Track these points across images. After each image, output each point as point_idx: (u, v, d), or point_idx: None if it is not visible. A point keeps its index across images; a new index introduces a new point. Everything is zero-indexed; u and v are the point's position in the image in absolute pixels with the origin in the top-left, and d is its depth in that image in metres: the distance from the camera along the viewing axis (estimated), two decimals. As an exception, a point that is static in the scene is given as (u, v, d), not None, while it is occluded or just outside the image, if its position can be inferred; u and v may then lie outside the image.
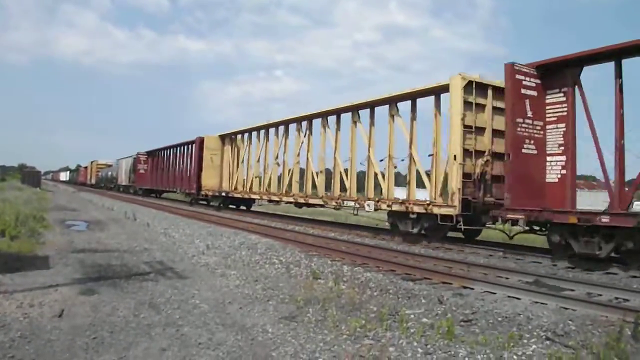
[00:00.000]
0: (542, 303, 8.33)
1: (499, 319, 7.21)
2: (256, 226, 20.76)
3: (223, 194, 32.97)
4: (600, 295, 9.00)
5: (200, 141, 35.32)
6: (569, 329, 6.68)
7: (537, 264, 12.67)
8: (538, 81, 13.58)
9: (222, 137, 35.02)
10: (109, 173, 72.68)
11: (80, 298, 7.67)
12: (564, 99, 13.21)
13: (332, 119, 23.02)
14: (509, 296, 8.90)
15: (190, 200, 38.55)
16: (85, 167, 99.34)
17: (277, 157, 27.46)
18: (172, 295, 8.14)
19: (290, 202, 25.28)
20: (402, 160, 18.48)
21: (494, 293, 9.19)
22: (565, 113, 13.18)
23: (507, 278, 10.50)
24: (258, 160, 29.66)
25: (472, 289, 9.58)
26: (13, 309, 6.88)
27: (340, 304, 7.87)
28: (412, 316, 7.24)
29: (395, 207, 17.84)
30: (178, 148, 41.91)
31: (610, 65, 12.29)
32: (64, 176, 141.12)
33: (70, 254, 11.70)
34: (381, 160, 19.39)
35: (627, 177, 12.45)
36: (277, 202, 27.14)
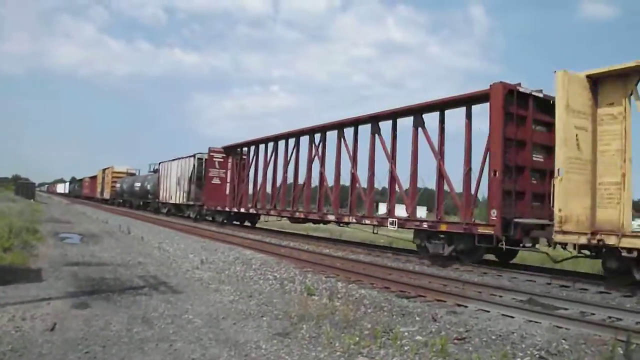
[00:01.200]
0: (535, 322, 8.32)
1: (493, 337, 7.19)
2: (251, 241, 20.72)
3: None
4: (594, 314, 9.00)
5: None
6: (562, 348, 6.67)
7: (532, 283, 12.66)
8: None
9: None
10: (137, 184, 52.85)
11: (73, 312, 7.61)
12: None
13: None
14: (503, 314, 8.88)
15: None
16: (93, 177, 79.72)
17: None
18: (166, 309, 8.09)
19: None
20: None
21: (488, 311, 9.17)
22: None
23: (501, 296, 10.49)
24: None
25: (467, 306, 9.56)
26: (4, 322, 6.82)
27: (334, 320, 7.83)
28: (406, 334, 7.21)
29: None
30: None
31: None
32: (62, 188, 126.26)
33: (63, 267, 11.63)
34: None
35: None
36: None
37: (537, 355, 6.39)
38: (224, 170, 33.54)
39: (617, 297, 10.75)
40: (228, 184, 32.85)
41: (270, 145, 28.07)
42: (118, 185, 60.72)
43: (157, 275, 11.45)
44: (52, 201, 71.95)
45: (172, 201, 40.78)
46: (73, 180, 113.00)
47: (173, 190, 40.45)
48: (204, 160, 35.44)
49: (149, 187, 48.96)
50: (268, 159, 28.13)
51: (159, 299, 8.93)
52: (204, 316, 7.85)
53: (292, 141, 25.79)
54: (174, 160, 41.41)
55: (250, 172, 30.57)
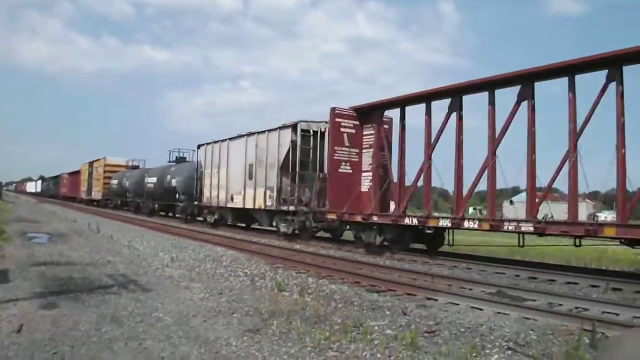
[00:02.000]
0: (504, 313, 8.43)
1: (462, 329, 7.26)
2: (221, 238, 20.65)
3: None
4: (561, 305, 9.14)
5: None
6: (530, 339, 6.76)
7: (501, 275, 12.81)
8: None
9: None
10: (152, 180, 39.10)
11: (40, 312, 7.53)
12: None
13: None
14: (472, 307, 8.98)
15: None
16: (75, 173, 65.93)
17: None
18: (135, 308, 8.04)
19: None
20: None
21: (458, 304, 9.26)
22: None
23: (470, 289, 10.60)
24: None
25: (436, 300, 9.65)
26: (-30, 324, 6.73)
27: (304, 316, 7.85)
28: (376, 328, 7.25)
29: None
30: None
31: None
32: (33, 187, 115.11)
33: (30, 267, 11.49)
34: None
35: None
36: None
37: (506, 347, 6.46)
38: (356, 151, 19.93)
39: (584, 288, 10.93)
40: (368, 175, 19.64)
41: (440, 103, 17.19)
42: (115, 181, 48.12)
43: (127, 274, 11.37)
44: (19, 200, 70.58)
45: (234, 205, 26.26)
46: (47, 178, 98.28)
47: (236, 187, 26.04)
48: (318, 133, 21.82)
49: (174, 183, 34.72)
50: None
51: (129, 297, 8.87)
52: (174, 314, 7.82)
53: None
54: (236, 137, 26.78)
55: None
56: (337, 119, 19.77)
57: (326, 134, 20.86)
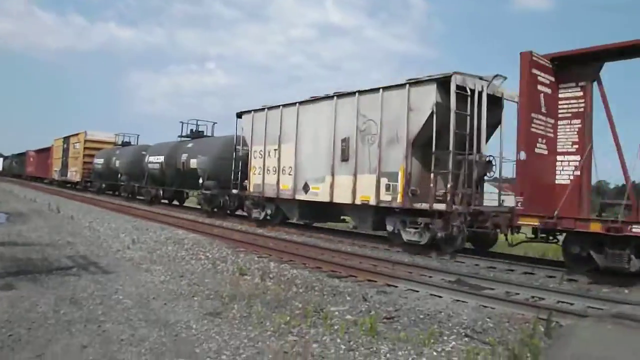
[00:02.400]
0: (462, 301, 8.55)
1: (421, 316, 7.37)
2: (184, 221, 20.53)
3: None
4: (518, 294, 9.29)
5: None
6: (487, 326, 6.90)
7: (460, 264, 12.97)
8: None
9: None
10: (158, 160, 30.83)
11: (-3, 293, 7.45)
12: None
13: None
14: (431, 294, 9.09)
15: None
16: (44, 150, 57.55)
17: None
18: (95, 290, 7.99)
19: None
20: None
21: (417, 291, 9.36)
22: None
23: (430, 277, 10.72)
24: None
25: (396, 286, 9.75)
26: None
27: (265, 300, 7.89)
28: (336, 313, 7.32)
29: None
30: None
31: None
32: None
33: (-13, 247, 11.33)
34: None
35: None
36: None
37: (463, 334, 6.58)
38: (552, 122, 12.78)
39: (541, 278, 11.12)
40: (569, 159, 12.74)
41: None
42: (100, 161, 40.28)
43: (87, 255, 11.27)
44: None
45: (310, 197, 18.35)
46: (9, 156, 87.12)
47: (314, 172, 18.23)
48: (475, 93, 14.54)
49: (196, 164, 26.29)
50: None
51: (88, 279, 8.81)
52: (134, 296, 7.79)
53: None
54: (314, 100, 18.61)
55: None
56: (534, 70, 12.27)
57: (484, 95, 14.62)
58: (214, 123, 30.94)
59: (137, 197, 33.99)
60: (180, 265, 10.86)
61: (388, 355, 5.64)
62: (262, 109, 20.71)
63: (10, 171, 79.24)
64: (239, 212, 24.64)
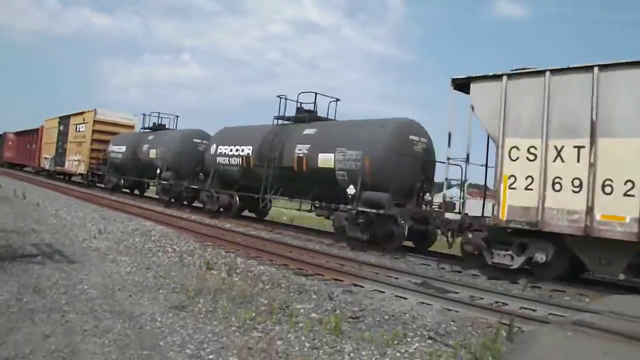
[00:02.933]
0: (427, 304, 8.66)
1: (386, 317, 7.43)
2: (151, 213, 20.38)
3: None
4: (482, 298, 9.41)
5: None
6: (451, 329, 6.99)
7: (427, 267, 13.08)
8: None
9: None
10: (240, 152, 20.41)
11: (-42, 279, 7.34)
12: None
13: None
14: (397, 295, 9.19)
15: None
16: (30, 133, 47.50)
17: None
18: (59, 279, 7.92)
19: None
20: None
21: (383, 292, 9.46)
22: None
23: (396, 278, 10.81)
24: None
25: (363, 287, 9.82)
26: None
27: (231, 295, 7.89)
28: (302, 311, 7.35)
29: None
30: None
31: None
32: None
33: (-50, 232, 11.15)
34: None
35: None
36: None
37: (427, 336, 6.65)
38: None
39: (505, 284, 11.27)
40: None
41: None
42: (119, 148, 30.20)
43: (52, 244, 11.14)
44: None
45: None
46: None
47: None
48: None
49: (348, 163, 16.16)
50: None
51: (53, 268, 8.72)
52: (99, 287, 7.74)
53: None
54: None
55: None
56: None
57: None
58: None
59: (208, 205, 22.30)
60: (147, 257, 10.80)
61: (352, 354, 5.68)
62: (537, 72, 11.58)
63: None
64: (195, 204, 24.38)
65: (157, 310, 6.77)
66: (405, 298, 9.02)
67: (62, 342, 5.24)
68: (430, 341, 6.44)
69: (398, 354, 5.81)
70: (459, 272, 12.44)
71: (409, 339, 6.44)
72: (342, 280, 10.26)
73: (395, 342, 6.18)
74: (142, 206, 23.35)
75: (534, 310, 8.64)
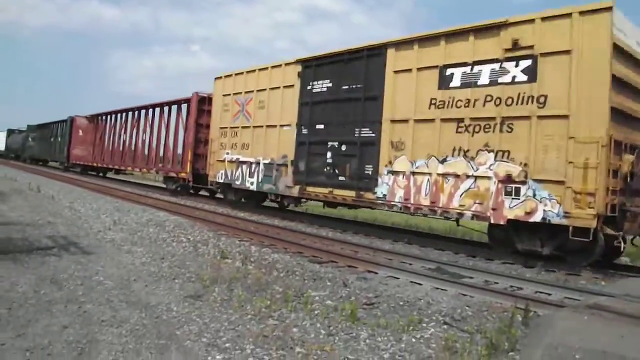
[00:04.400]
0: (442, 289, 8.63)
1: (401, 303, 7.43)
2: (165, 203, 20.44)
3: None
4: (497, 283, 9.39)
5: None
6: (466, 314, 6.98)
7: (441, 252, 13.06)
8: None
9: None
10: None
11: (-23, 273, 7.41)
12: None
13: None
14: (411, 281, 9.17)
15: None
16: (133, 112, 31.94)
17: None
18: (76, 271, 7.98)
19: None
20: None
21: (398, 278, 9.45)
22: None
23: (410, 264, 10.79)
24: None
25: (377, 273, 9.82)
26: None
27: (246, 284, 7.93)
28: (316, 298, 7.38)
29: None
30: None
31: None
32: None
33: (-33, 226, 11.25)
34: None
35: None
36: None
37: (442, 321, 6.66)
38: None
39: (520, 268, 11.23)
40: None
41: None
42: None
43: (68, 236, 11.22)
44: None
45: None
46: (25, 129, 57.00)
47: None
48: None
49: None
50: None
51: (69, 259, 8.79)
52: (115, 278, 7.80)
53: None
54: None
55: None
56: None
57: None
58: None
59: None
60: (162, 248, 10.85)
61: (367, 340, 5.71)
62: None
63: (30, 152, 53.97)
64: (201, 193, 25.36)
65: (173, 300, 6.81)
66: (420, 284, 9.01)
67: (80, 333, 5.30)
68: (445, 326, 6.45)
69: (414, 340, 5.83)
70: (473, 257, 12.42)
71: (424, 325, 6.46)
72: (356, 267, 10.26)
73: (411, 327, 6.19)
74: (154, 196, 23.44)
75: (549, 295, 8.60)
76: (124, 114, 33.77)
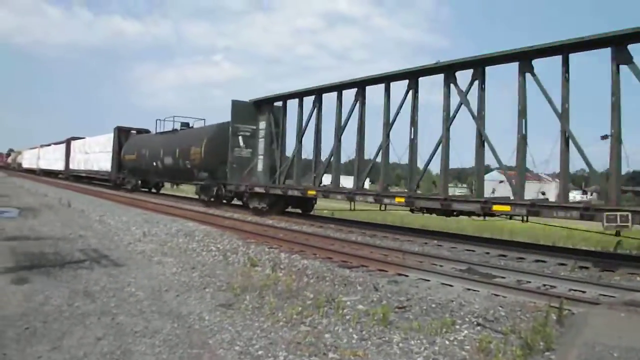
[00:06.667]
0: (474, 290, 8.57)
1: (433, 305, 7.38)
2: (194, 213, 20.55)
3: None
4: (530, 282, 9.31)
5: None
6: (499, 315, 6.91)
7: (471, 252, 12.97)
8: None
9: None
10: None
11: (12, 287, 7.49)
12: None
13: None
14: (442, 283, 9.13)
15: None
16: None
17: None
18: (108, 283, 8.04)
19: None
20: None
21: (428, 280, 9.40)
22: None
23: (441, 266, 10.74)
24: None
25: (407, 276, 9.78)
26: (-60, 299, 6.69)
27: (277, 291, 7.92)
28: (348, 303, 7.34)
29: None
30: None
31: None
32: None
33: (0, 242, 11.39)
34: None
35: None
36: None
37: (475, 322, 6.60)
38: None
39: (552, 266, 11.12)
40: None
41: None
42: None
43: (99, 249, 11.32)
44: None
45: None
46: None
47: None
48: None
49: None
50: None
51: (101, 272, 8.86)
52: (147, 289, 7.84)
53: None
54: None
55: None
56: None
57: None
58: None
59: None
60: (192, 257, 10.91)
61: (400, 344, 5.67)
62: None
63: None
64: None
65: (205, 309, 6.83)
66: (451, 285, 8.95)
67: (113, 344, 5.33)
68: (479, 328, 6.40)
69: (447, 342, 5.78)
70: (504, 256, 12.31)
71: (457, 327, 6.40)
72: (386, 271, 10.22)
73: (444, 330, 6.15)
74: (183, 207, 23.56)
75: (584, 292, 8.51)
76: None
